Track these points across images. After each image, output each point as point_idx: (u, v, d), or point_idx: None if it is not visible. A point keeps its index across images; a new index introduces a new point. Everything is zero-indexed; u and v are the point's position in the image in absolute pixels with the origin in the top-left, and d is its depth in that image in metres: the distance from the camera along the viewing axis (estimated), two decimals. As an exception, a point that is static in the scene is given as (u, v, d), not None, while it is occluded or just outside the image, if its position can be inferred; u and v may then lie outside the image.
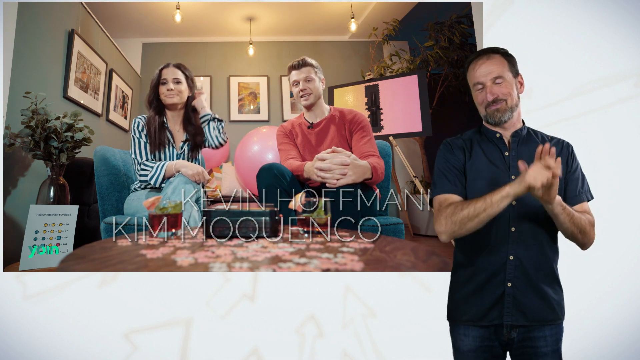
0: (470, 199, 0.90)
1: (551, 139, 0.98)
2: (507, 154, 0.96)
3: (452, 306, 0.95)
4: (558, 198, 0.83)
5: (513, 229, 0.91)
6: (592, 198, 0.95)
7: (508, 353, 0.92)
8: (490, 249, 0.91)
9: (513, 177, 0.92)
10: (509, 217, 0.91)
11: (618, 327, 1.22)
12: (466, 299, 0.92)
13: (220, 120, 1.82)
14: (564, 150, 0.95)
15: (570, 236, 0.89)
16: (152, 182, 1.58)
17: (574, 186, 0.93)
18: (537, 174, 0.79)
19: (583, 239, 0.88)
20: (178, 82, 1.73)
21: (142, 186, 1.68)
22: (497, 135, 0.98)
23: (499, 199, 0.84)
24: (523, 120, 1.00)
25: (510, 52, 0.98)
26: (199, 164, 1.80)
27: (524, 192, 0.82)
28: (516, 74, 0.96)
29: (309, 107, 1.78)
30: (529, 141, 0.97)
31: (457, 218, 0.87)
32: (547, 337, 0.88)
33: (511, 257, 0.90)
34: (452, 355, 0.96)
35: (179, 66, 1.76)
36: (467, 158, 0.97)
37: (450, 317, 0.96)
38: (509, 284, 0.89)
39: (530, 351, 0.88)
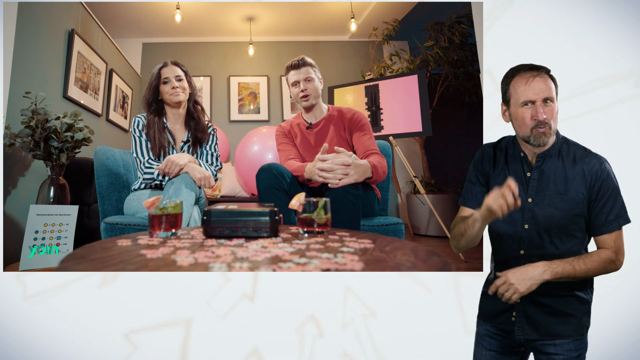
0: (465, 217, 0.95)
1: (584, 156, 0.90)
2: (528, 174, 0.93)
3: (480, 297, 1.00)
4: (544, 277, 0.84)
5: (522, 252, 0.91)
6: (626, 222, 0.87)
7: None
8: (504, 264, 0.93)
9: (530, 200, 0.91)
10: (519, 239, 0.91)
11: (618, 327, 1.22)
12: (485, 296, 0.98)
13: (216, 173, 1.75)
14: (590, 176, 0.88)
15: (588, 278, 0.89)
16: (158, 179, 1.59)
17: (600, 216, 0.87)
18: (494, 199, 0.82)
19: (605, 273, 0.87)
20: (180, 79, 1.71)
21: (143, 185, 1.67)
22: (522, 154, 0.94)
23: (471, 223, 0.89)
24: (558, 133, 0.93)
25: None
26: (201, 158, 1.76)
27: (488, 215, 0.84)
28: (556, 96, 0.90)
29: (309, 109, 1.78)
30: (556, 161, 0.91)
31: (453, 234, 0.97)
32: (557, 345, 0.88)
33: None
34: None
35: (176, 64, 1.73)
36: (492, 171, 0.98)
37: (479, 303, 1.01)
38: (518, 301, 0.90)
39: (542, 358, 0.90)
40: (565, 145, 0.92)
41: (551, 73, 0.91)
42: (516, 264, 0.90)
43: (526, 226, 0.90)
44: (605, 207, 0.87)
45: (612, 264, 0.86)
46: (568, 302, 0.89)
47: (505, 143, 0.99)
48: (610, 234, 0.87)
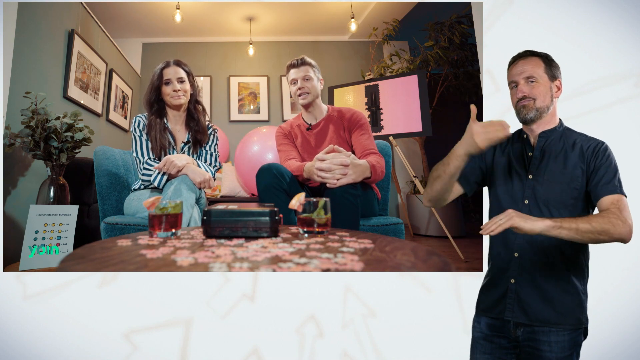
0: None
1: (586, 138, 0.95)
2: (530, 154, 0.97)
3: (478, 294, 1.01)
4: (545, 224, 0.80)
5: None
6: (620, 193, 0.86)
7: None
8: (502, 244, 0.96)
9: (530, 176, 0.94)
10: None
11: (618, 327, 1.22)
12: (483, 290, 0.99)
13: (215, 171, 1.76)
14: (588, 152, 0.92)
15: (594, 243, 0.83)
16: (154, 183, 1.57)
17: (594, 183, 0.89)
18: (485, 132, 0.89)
19: (610, 239, 0.81)
20: (182, 81, 1.67)
21: (143, 186, 1.67)
22: (525, 135, 1.00)
23: (453, 158, 0.94)
24: (561, 121, 0.99)
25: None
26: (200, 158, 1.75)
27: (473, 147, 0.90)
28: (553, 77, 0.96)
29: (306, 107, 1.78)
30: (558, 143, 0.96)
31: (429, 181, 1.02)
32: (552, 343, 0.88)
33: (516, 255, 0.93)
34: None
35: (179, 63, 1.69)
36: (497, 153, 1.03)
37: (476, 303, 1.01)
38: (512, 281, 0.92)
39: (535, 353, 0.89)
40: (567, 132, 0.98)
41: (548, 57, 0.96)
42: (514, 239, 0.93)
43: (526, 201, 0.94)
44: (597, 174, 0.89)
45: (618, 221, 0.81)
46: (563, 288, 0.89)
47: (514, 133, 1.05)
48: (611, 196, 0.86)
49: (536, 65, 0.95)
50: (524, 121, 0.97)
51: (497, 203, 0.99)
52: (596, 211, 0.90)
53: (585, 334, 0.91)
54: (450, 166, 0.95)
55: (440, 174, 0.99)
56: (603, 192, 0.87)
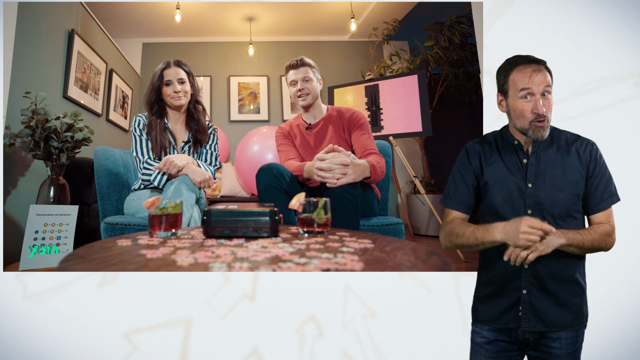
0: (467, 225, 0.94)
1: (575, 139, 0.94)
2: (525, 161, 0.94)
3: (474, 303, 0.99)
4: (561, 241, 0.85)
5: None
6: (618, 200, 0.92)
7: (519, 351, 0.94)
8: (501, 254, 0.91)
9: (530, 185, 0.92)
10: None
11: (618, 327, 1.22)
12: (484, 300, 0.96)
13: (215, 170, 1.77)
14: (585, 155, 0.92)
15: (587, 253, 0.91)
16: (154, 182, 1.57)
17: (596, 194, 0.90)
18: (520, 237, 0.83)
19: (600, 251, 0.90)
20: (183, 82, 1.68)
21: (143, 186, 1.67)
22: (516, 142, 0.95)
23: (488, 242, 0.88)
24: None
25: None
26: (200, 157, 1.76)
27: (511, 241, 0.85)
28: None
29: (307, 108, 1.78)
30: (551, 146, 0.94)
31: (453, 241, 0.95)
32: (562, 339, 0.89)
33: (526, 266, 0.90)
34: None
35: (179, 64, 1.69)
36: (484, 163, 0.97)
37: (472, 312, 0.99)
38: (524, 291, 0.91)
39: (545, 350, 0.90)
40: (555, 132, 0.96)
41: (545, 64, 0.93)
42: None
43: (529, 212, 0.91)
44: (600, 185, 0.91)
45: (609, 238, 0.89)
46: (571, 290, 0.90)
47: (493, 137, 1.00)
48: (605, 211, 0.91)
49: (549, 78, 0.90)
50: (536, 139, 0.92)
51: (499, 215, 0.93)
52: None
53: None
54: (482, 247, 0.90)
55: (471, 246, 0.91)
56: (599, 209, 0.91)
